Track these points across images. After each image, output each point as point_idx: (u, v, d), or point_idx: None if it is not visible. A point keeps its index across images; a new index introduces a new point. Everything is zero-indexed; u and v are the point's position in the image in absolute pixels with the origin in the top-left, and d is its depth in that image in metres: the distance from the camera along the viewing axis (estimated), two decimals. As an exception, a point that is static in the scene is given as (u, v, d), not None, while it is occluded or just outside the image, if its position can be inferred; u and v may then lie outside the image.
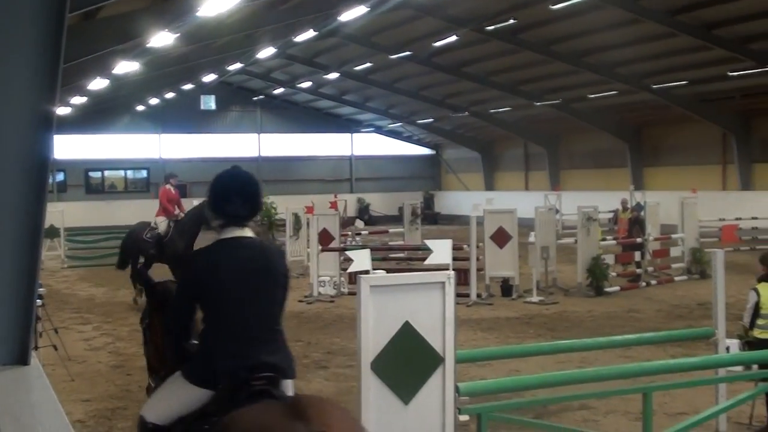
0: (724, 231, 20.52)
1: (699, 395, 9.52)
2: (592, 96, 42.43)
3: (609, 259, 21.37)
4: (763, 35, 31.49)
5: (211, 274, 4.57)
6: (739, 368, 8.36)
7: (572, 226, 26.30)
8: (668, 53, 34.81)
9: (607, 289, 20.62)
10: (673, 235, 24.22)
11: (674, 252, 24.13)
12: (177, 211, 19.49)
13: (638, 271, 22.58)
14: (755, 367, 8.40)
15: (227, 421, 4.19)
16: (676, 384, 7.47)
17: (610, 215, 27.75)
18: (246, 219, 4.68)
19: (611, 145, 46.86)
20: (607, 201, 32.83)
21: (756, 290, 9.47)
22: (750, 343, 9.34)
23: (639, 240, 22.72)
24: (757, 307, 9.39)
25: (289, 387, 4.83)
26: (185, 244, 18.69)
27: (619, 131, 46.23)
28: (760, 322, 9.38)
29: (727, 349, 8.70)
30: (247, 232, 4.70)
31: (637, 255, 22.82)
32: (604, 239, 22.40)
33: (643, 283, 21.85)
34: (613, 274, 21.84)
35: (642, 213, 24.51)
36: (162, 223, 19.43)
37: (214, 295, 4.58)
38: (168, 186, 19.91)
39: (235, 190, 4.68)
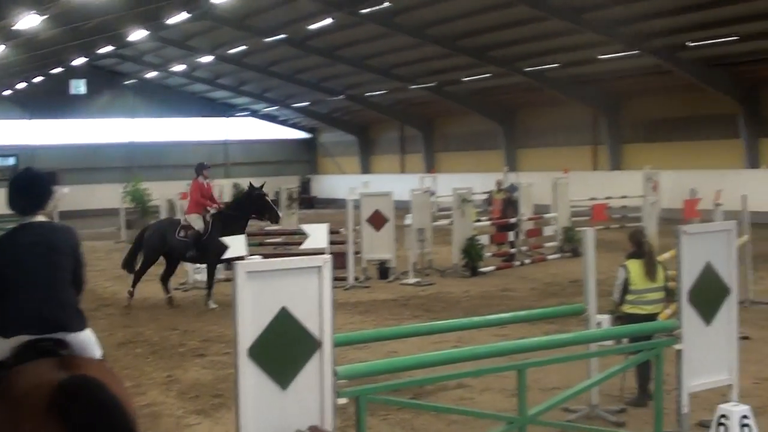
0: (595, 210, 21.00)
1: (572, 370, 9.74)
2: (467, 79, 42.97)
3: (484, 239, 21.68)
4: (630, 19, 32.40)
5: (7, 250, 5.63)
6: (610, 342, 8.58)
7: (448, 207, 26.58)
8: (540, 36, 35.50)
9: (482, 269, 20.94)
10: (546, 215, 24.76)
11: (547, 231, 24.67)
12: (213, 205, 17.83)
13: (512, 250, 22.99)
14: (625, 341, 8.63)
15: (12, 373, 5.16)
16: (550, 360, 7.63)
17: (485, 196, 28.17)
18: (35, 209, 5.78)
19: (485, 127, 47.56)
20: (481, 182, 33.35)
21: (625, 267, 9.74)
22: (620, 318, 9.60)
23: (513, 220, 23.13)
24: (626, 283, 9.67)
25: (83, 339, 5.64)
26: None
27: (493, 113, 46.94)
28: (629, 297, 9.65)
29: (599, 324, 8.92)
30: (40, 218, 5.80)
31: (511, 235, 23.24)
32: (478, 220, 22.70)
33: (517, 262, 22.26)
34: (488, 254, 22.18)
35: (515, 194, 24.96)
36: (197, 221, 17.45)
37: (10, 265, 5.60)
38: (200, 178, 17.91)
39: (25, 188, 5.79)
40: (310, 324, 6.00)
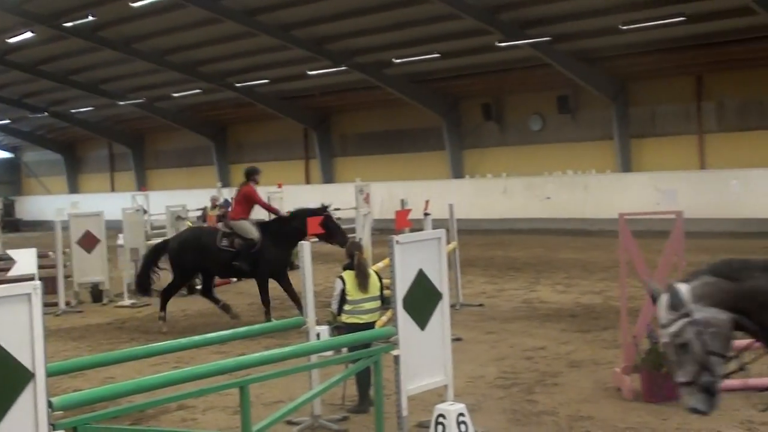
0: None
1: (295, 383, 9.82)
2: (177, 95, 42.42)
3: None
4: (337, 36, 33.28)
5: None
6: (330, 353, 8.71)
7: (161, 225, 26.08)
8: (250, 52, 35.70)
9: (199, 287, 20.67)
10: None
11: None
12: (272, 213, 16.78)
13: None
14: (345, 350, 8.80)
15: None
16: (271, 374, 7.62)
17: (199, 213, 27.86)
18: None
19: (197, 143, 47.17)
20: (195, 199, 32.94)
21: (342, 278, 9.94)
22: (339, 328, 9.79)
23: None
24: (343, 294, 9.87)
25: None
26: (285, 252, 16.21)
27: (204, 129, 46.64)
28: (346, 307, 9.85)
29: (318, 335, 9.04)
30: None
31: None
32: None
33: (234, 279, 22.17)
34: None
35: (230, 209, 24.81)
36: (250, 229, 15.98)
37: None
38: (251, 183, 16.40)
39: None
40: (22, 355, 5.67)
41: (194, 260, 16.16)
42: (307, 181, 43.30)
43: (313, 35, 33.42)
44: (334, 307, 9.98)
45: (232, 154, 46.52)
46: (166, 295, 16.34)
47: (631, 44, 29.89)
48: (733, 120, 30.58)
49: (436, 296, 8.42)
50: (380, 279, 10.11)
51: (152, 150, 51.57)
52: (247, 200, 16.31)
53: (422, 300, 8.25)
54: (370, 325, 9.81)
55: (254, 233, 15.87)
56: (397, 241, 8.05)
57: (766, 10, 25.27)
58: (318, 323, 9.26)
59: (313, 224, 11.60)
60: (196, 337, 8.98)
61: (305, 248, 9.24)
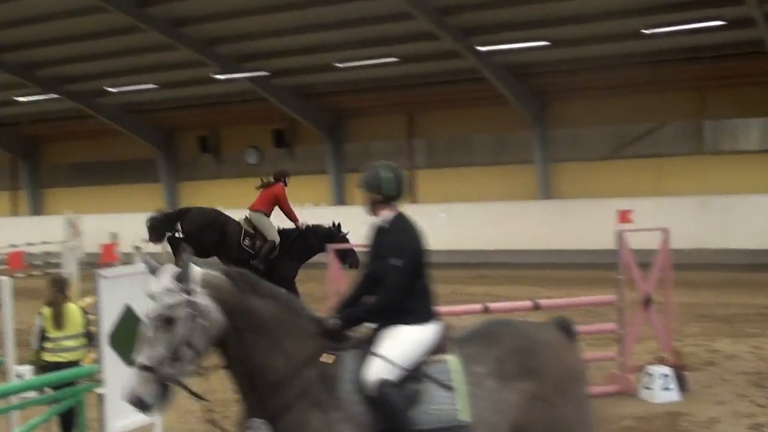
0: (11, 257, 20.23)
1: (-6, 426, 9.32)
2: None
3: None
4: (47, 62, 32.08)
5: None
6: (33, 393, 8.32)
7: None
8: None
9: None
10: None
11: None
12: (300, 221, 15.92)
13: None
14: (49, 390, 8.44)
15: None
16: (-34, 419, 7.21)
17: None
18: None
19: None
20: None
21: (41, 314, 9.54)
22: (43, 368, 9.37)
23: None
24: (43, 331, 9.47)
25: None
26: (297, 265, 15.67)
27: None
28: (47, 345, 9.46)
29: (20, 375, 8.62)
30: None
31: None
32: None
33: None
34: None
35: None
36: (274, 230, 15.53)
37: None
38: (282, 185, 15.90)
39: None
40: None
41: (216, 242, 15.82)
42: (15, 213, 41.22)
43: (21, 60, 32.02)
44: (35, 344, 9.56)
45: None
46: None
47: (347, 81, 30.80)
48: (441, 156, 32.20)
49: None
50: (85, 314, 9.77)
51: None
52: (275, 200, 15.98)
53: (129, 336, 8.05)
54: (74, 363, 9.45)
55: (276, 235, 15.69)
56: (103, 276, 7.84)
57: (472, 54, 26.86)
58: (21, 363, 8.83)
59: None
60: None
61: (4, 285, 8.79)
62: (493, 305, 12.17)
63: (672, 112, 28.22)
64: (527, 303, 11.35)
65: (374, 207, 6.10)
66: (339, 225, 16.23)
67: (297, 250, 15.76)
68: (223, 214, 16.34)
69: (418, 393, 5.64)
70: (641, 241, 11.07)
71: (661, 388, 10.09)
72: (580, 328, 13.17)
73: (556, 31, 25.75)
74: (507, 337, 5.87)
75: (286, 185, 16.24)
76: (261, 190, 16.17)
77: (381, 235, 6.06)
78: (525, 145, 30.34)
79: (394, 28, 27.09)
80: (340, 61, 28.97)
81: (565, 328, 6.19)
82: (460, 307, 11.69)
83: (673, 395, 10.13)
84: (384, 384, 5.53)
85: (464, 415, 5.61)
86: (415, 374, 5.70)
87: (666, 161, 28.46)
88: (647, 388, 10.23)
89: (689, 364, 11.31)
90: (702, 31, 24.59)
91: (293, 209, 16.01)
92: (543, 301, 11.32)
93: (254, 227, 15.87)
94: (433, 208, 29.78)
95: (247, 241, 15.85)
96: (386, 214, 6.06)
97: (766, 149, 27.26)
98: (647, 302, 10.77)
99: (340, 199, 33.24)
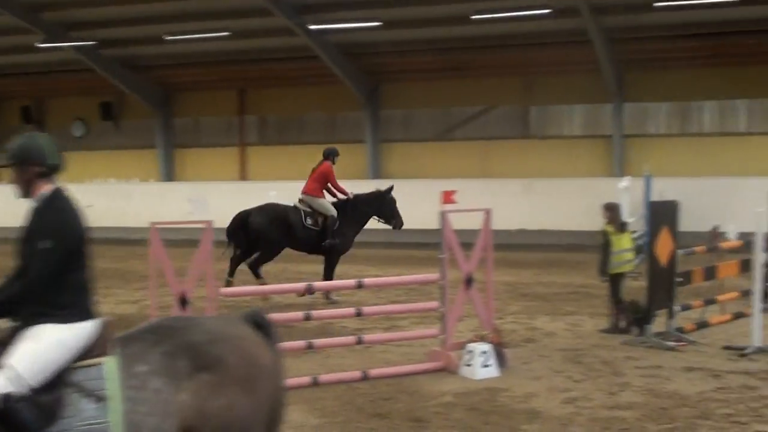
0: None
1: None
2: None
3: None
4: None
5: None
6: None
7: None
8: None
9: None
10: None
11: None
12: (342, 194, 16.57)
13: None
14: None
15: None
16: None
17: None
18: None
19: None
20: None
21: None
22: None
23: None
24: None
25: None
26: (354, 234, 16.51)
27: None
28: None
29: None
30: None
31: None
32: None
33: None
34: None
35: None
36: (330, 206, 16.26)
37: None
38: (329, 163, 16.67)
39: None
40: None
41: (282, 239, 16.28)
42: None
43: None
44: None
45: None
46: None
47: (177, 54, 30.16)
48: (274, 134, 31.98)
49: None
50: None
51: None
52: (324, 178, 16.57)
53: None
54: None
55: (333, 210, 16.32)
56: None
57: (304, 32, 26.76)
58: None
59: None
60: None
61: None
62: (317, 284, 12.20)
63: (500, 97, 28.93)
64: (351, 282, 11.40)
65: (31, 183, 5.18)
66: (391, 187, 17.03)
67: (352, 220, 16.56)
68: (279, 204, 16.94)
69: (59, 406, 4.88)
70: (466, 222, 11.24)
71: (480, 365, 10.28)
72: (405, 306, 13.44)
73: (389, 12, 25.95)
74: (181, 332, 5.26)
75: (334, 163, 16.88)
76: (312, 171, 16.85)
77: (35, 215, 5.13)
78: (356, 125, 30.51)
79: (226, 2, 26.73)
80: (171, 34, 28.34)
81: (257, 321, 5.63)
82: (285, 286, 11.62)
83: (492, 371, 10.33)
84: (9, 398, 4.75)
85: (117, 428, 4.91)
86: (56, 383, 4.94)
87: (493, 144, 29.18)
88: (467, 365, 10.39)
89: (509, 342, 11.57)
90: (530, 19, 25.29)
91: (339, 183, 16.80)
92: (367, 280, 11.35)
93: (311, 206, 16.50)
94: (264, 185, 29.58)
95: (309, 220, 16.42)
96: (45, 190, 5.17)
97: (589, 135, 28.32)
98: (469, 281, 10.94)
99: (169, 176, 32.57)
